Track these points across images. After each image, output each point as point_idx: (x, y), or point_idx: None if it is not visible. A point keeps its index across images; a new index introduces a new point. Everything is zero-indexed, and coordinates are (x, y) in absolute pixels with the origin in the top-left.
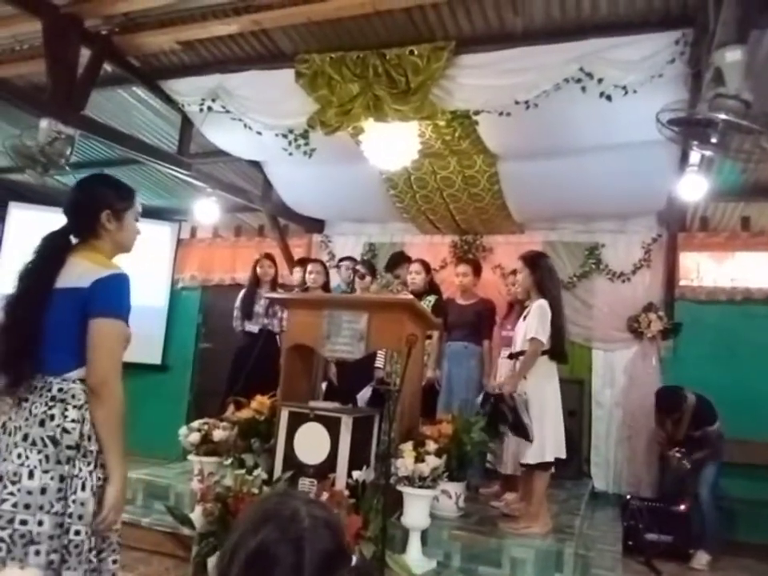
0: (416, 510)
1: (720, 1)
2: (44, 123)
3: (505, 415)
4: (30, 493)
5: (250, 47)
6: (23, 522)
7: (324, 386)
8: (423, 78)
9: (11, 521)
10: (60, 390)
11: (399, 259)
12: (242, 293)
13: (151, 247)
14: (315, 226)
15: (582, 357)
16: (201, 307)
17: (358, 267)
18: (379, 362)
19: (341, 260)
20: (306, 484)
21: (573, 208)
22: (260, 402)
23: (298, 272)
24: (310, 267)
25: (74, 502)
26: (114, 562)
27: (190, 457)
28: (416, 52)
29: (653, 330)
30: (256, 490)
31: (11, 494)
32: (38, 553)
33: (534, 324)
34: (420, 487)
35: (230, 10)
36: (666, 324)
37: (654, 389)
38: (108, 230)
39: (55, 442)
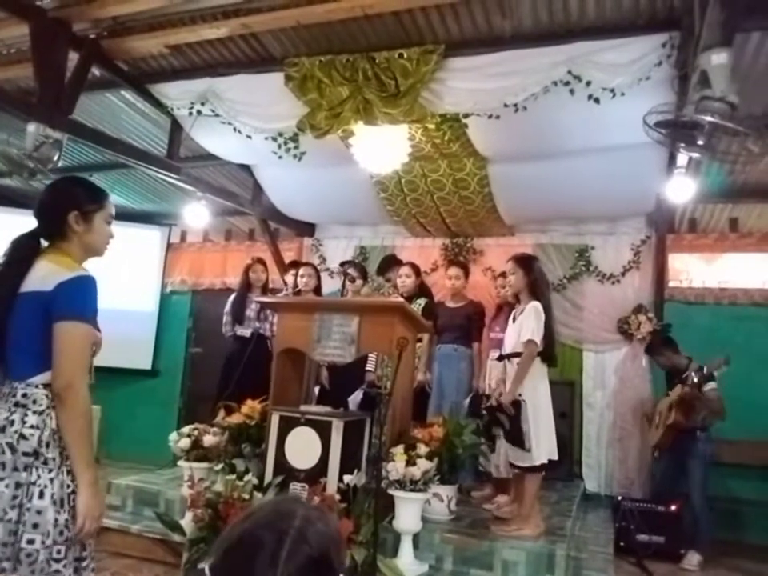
0: (407, 514)
1: (705, 4)
2: (32, 127)
3: (502, 425)
4: None
5: (239, 51)
6: None
7: (317, 390)
8: (413, 82)
9: None
10: (23, 395)
11: (390, 262)
12: (231, 297)
13: (141, 251)
14: (306, 229)
15: (572, 358)
16: (191, 312)
17: (349, 270)
18: (370, 366)
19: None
20: (297, 489)
21: (563, 210)
22: (251, 406)
23: (290, 276)
24: (301, 270)
25: (28, 510)
26: (93, 569)
27: (180, 463)
28: (405, 55)
29: (642, 331)
30: (247, 496)
31: None
32: None
33: (530, 326)
34: (411, 491)
35: (220, 13)
36: (655, 325)
37: (643, 390)
38: (75, 232)
39: (13, 448)
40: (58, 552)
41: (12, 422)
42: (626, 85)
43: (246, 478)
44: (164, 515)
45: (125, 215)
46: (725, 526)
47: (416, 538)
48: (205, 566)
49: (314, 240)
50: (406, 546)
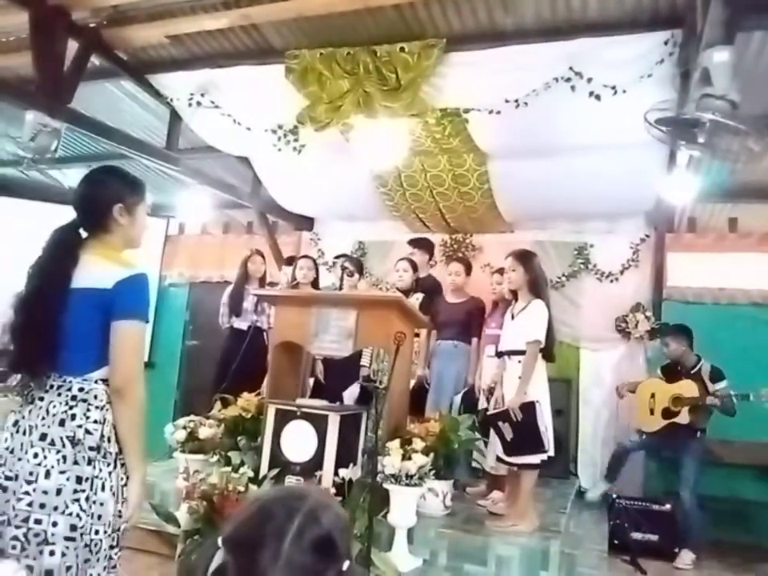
0: (402, 508)
1: (708, 2)
2: (30, 116)
3: (501, 435)
4: (45, 493)
5: (239, 42)
6: (38, 522)
7: (311, 381)
8: (413, 75)
9: (26, 519)
10: (81, 389)
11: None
12: (229, 288)
13: (142, 243)
14: (305, 223)
15: (569, 356)
16: (188, 304)
17: (346, 264)
18: (365, 360)
19: (335, 258)
20: (292, 482)
21: (562, 208)
22: (247, 399)
23: (286, 273)
24: (300, 263)
25: (94, 502)
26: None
27: (176, 454)
28: (407, 49)
29: (640, 330)
30: (242, 488)
31: (26, 493)
32: (52, 553)
33: (537, 325)
34: (407, 485)
35: (220, 4)
36: (653, 324)
37: None
38: (120, 225)
39: (74, 442)
40: (113, 539)
41: (73, 417)
42: (628, 82)
43: (242, 470)
44: (159, 507)
45: None
46: (719, 526)
47: (410, 533)
48: (218, 537)
49: (313, 234)
50: (401, 541)
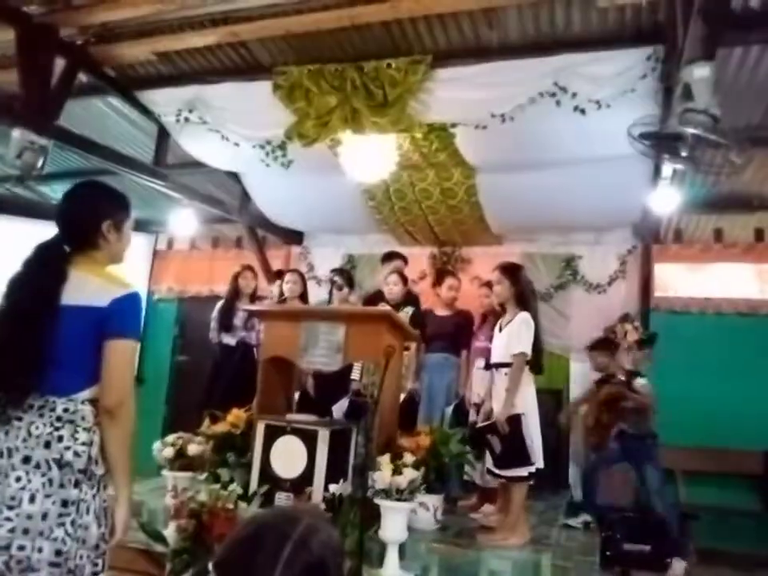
0: (393, 524)
1: (688, 19)
2: (16, 133)
3: (491, 448)
4: (29, 517)
5: (227, 59)
6: (21, 548)
7: (297, 395)
8: (401, 91)
9: (8, 547)
10: (65, 410)
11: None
12: (219, 304)
13: (127, 259)
14: (294, 237)
15: (559, 367)
16: (177, 319)
17: (336, 278)
18: (355, 374)
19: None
20: (282, 498)
21: (550, 220)
22: (236, 415)
23: (277, 286)
24: (287, 277)
25: (80, 526)
26: None
27: (164, 472)
28: (393, 65)
29: (629, 340)
30: (231, 506)
31: (8, 519)
32: None
33: (521, 338)
34: (397, 500)
35: (208, 21)
36: (641, 335)
37: None
38: (108, 241)
39: (61, 464)
40: (95, 565)
41: (60, 438)
42: (612, 97)
43: (231, 487)
44: (147, 525)
45: None
46: (709, 535)
47: (402, 548)
48: (209, 562)
49: (302, 248)
50: (392, 556)
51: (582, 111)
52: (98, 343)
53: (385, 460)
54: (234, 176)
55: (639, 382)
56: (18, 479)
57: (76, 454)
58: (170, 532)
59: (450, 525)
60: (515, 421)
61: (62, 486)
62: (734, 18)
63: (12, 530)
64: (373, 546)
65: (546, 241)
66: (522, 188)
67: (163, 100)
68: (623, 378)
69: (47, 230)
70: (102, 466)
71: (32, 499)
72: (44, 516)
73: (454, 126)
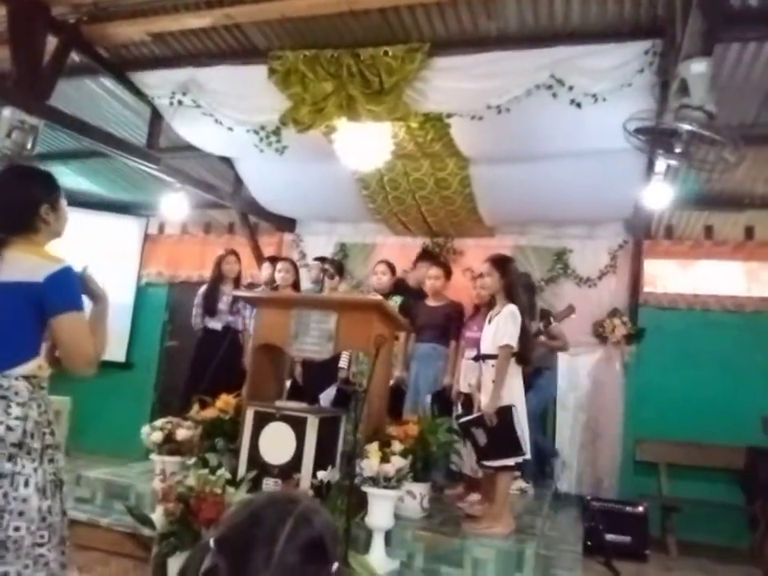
0: (380, 511)
1: (687, 14)
2: (6, 112)
3: (475, 440)
4: None
5: (222, 41)
6: None
7: (288, 383)
8: (397, 79)
9: None
10: (0, 386)
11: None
12: (203, 289)
13: (117, 242)
14: (286, 224)
15: None
16: (167, 304)
17: (327, 267)
18: (343, 363)
19: (314, 260)
20: (270, 484)
21: (542, 213)
22: (225, 401)
23: (266, 268)
24: (279, 266)
25: (14, 498)
26: (63, 552)
27: (153, 456)
28: (390, 53)
29: (617, 335)
30: (219, 491)
31: None
32: None
33: (507, 330)
34: (385, 488)
35: (203, 2)
36: (629, 329)
37: (617, 393)
38: (48, 223)
39: None
40: (41, 537)
41: None
42: (608, 90)
43: (219, 472)
44: (134, 509)
45: (101, 204)
46: (691, 528)
47: (388, 535)
48: (210, 539)
49: (295, 235)
50: (378, 543)
51: (578, 105)
52: (34, 319)
53: (373, 448)
54: (227, 161)
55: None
56: None
57: (8, 428)
58: (157, 516)
59: (436, 513)
60: (506, 412)
61: None
62: (732, 14)
63: None
64: (359, 533)
65: (537, 234)
66: (515, 180)
67: (157, 82)
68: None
69: None
70: (40, 438)
71: None
72: None
73: (449, 116)
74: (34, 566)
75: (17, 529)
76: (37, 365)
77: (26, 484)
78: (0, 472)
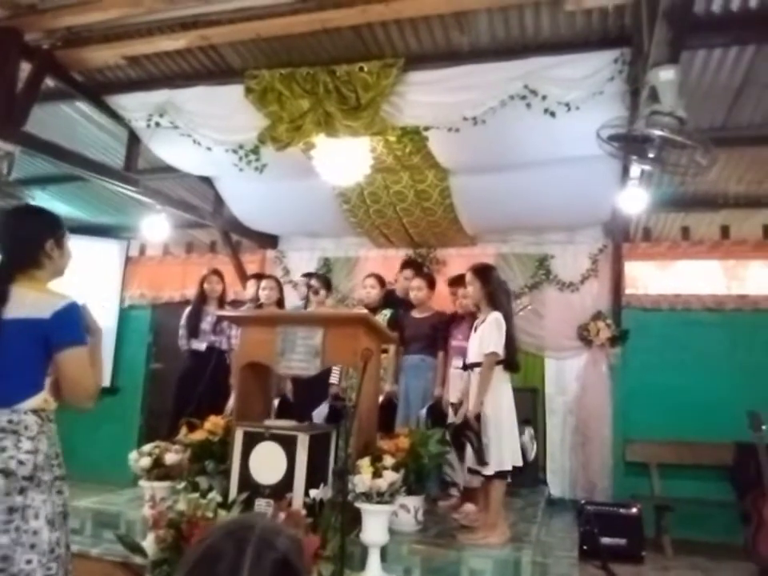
0: (374, 527)
1: (653, 23)
2: None
3: (471, 443)
4: None
5: (198, 62)
6: None
7: (276, 402)
8: (373, 95)
9: None
10: (9, 421)
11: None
12: (187, 310)
13: (98, 265)
14: (269, 241)
15: (534, 366)
16: (151, 326)
17: (312, 282)
18: (334, 378)
19: (302, 276)
20: (262, 505)
21: (523, 220)
22: (213, 422)
23: (251, 286)
24: (263, 284)
25: (25, 531)
26: None
27: (141, 482)
28: (366, 69)
29: (602, 337)
30: (210, 514)
31: None
32: None
33: (491, 338)
34: (378, 503)
35: (178, 25)
36: (613, 332)
37: (604, 395)
38: (52, 259)
39: (6, 473)
40: (49, 569)
41: (4, 449)
42: (581, 99)
43: (210, 495)
44: (125, 537)
45: (81, 228)
46: (684, 526)
47: (383, 551)
48: None
49: (277, 252)
50: (374, 559)
51: (552, 114)
52: (40, 354)
53: (365, 463)
54: (207, 180)
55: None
56: None
57: (20, 462)
58: (148, 543)
59: (430, 525)
60: (477, 421)
61: (7, 494)
62: (696, 22)
63: None
64: (354, 550)
65: (519, 241)
66: (494, 189)
67: (133, 105)
68: None
69: None
70: (50, 471)
71: None
72: None
73: (426, 128)
74: None
75: (29, 561)
76: (43, 398)
77: (36, 516)
78: (11, 506)
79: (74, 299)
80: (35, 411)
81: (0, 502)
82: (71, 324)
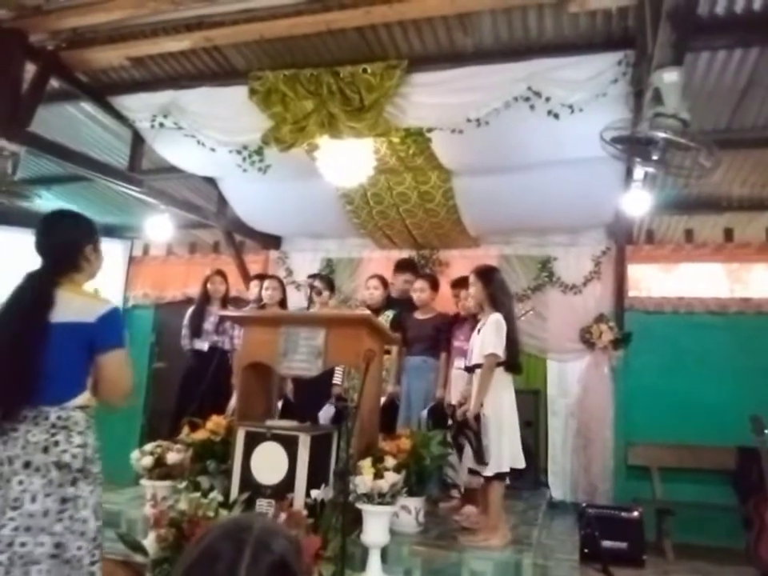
0: (375, 528)
1: (657, 25)
2: None
3: (470, 442)
4: (31, 516)
5: (202, 64)
6: (22, 545)
7: (280, 403)
8: (377, 96)
9: (10, 544)
10: (59, 418)
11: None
12: (190, 310)
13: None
14: (272, 242)
15: (537, 368)
16: (154, 326)
17: (315, 283)
18: (337, 379)
19: (308, 277)
20: (263, 505)
21: (526, 222)
22: (216, 422)
23: (255, 286)
24: (266, 284)
25: (77, 520)
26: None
27: (143, 481)
28: (369, 70)
29: (604, 340)
30: (212, 513)
31: (11, 519)
32: (39, 572)
33: (490, 339)
34: (379, 504)
35: (182, 26)
36: (616, 334)
37: (606, 398)
38: (90, 263)
39: (59, 466)
40: (93, 555)
41: (56, 443)
42: (584, 101)
43: (211, 495)
44: (126, 536)
45: None
46: (685, 530)
47: (384, 552)
48: None
49: (281, 253)
50: (375, 560)
51: (556, 115)
52: (85, 355)
53: (366, 464)
54: (211, 181)
55: None
56: (20, 482)
57: (73, 456)
58: (149, 542)
59: (431, 527)
60: (477, 421)
61: (60, 485)
62: (700, 24)
63: (15, 529)
64: (355, 550)
65: (522, 243)
66: (498, 191)
67: (137, 105)
68: None
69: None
70: (96, 464)
71: (33, 499)
72: (45, 513)
73: (430, 130)
74: None
75: (79, 548)
76: (87, 397)
77: (85, 506)
78: (64, 496)
79: (116, 304)
80: (82, 408)
81: (53, 493)
82: (114, 328)
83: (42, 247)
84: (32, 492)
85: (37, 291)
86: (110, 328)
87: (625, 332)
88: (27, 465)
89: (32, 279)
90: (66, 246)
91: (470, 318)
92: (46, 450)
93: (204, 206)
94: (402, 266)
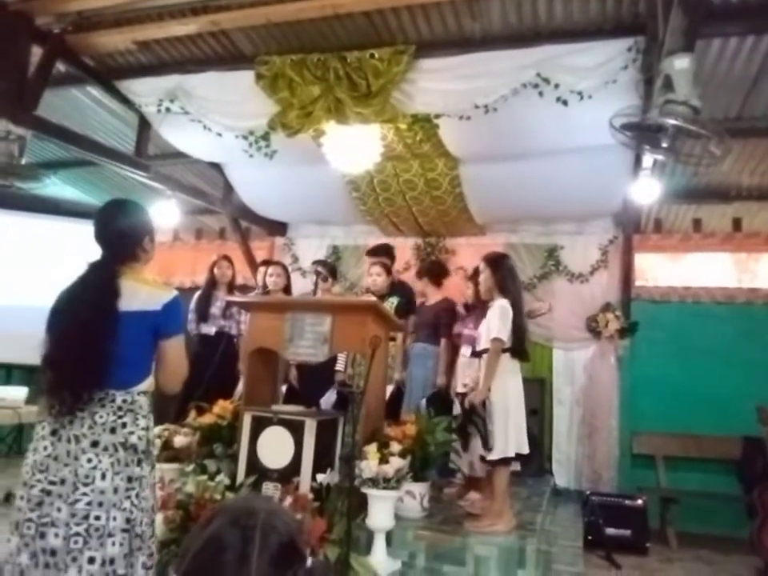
0: (380, 512)
1: (668, 11)
2: None
3: (477, 428)
4: (102, 492)
5: (208, 48)
6: (97, 518)
7: (284, 389)
8: (384, 82)
9: (86, 517)
10: (125, 401)
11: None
12: (197, 294)
13: None
14: (278, 228)
15: (543, 356)
16: None
17: (320, 269)
18: (340, 365)
19: (312, 264)
20: (269, 488)
21: (533, 210)
22: (222, 406)
23: (262, 272)
24: (270, 270)
25: (143, 498)
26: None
27: None
28: (376, 55)
29: (610, 329)
30: (218, 496)
31: (84, 494)
32: (114, 543)
33: (495, 324)
34: (384, 489)
35: (188, 9)
36: (622, 323)
37: (612, 386)
38: (147, 252)
39: (126, 446)
40: (153, 530)
41: (124, 425)
42: (593, 88)
43: (218, 478)
44: None
45: (91, 213)
46: (690, 519)
47: (389, 536)
48: (173, 573)
49: (286, 239)
50: (379, 544)
51: (565, 102)
52: (150, 342)
53: (372, 449)
54: (217, 167)
55: None
56: (89, 460)
57: (139, 438)
58: (157, 524)
59: (436, 512)
60: (483, 406)
61: (127, 465)
62: (712, 10)
63: (89, 504)
64: (360, 534)
65: (528, 231)
66: (504, 178)
67: (144, 90)
68: None
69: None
70: (155, 447)
71: (103, 477)
72: (115, 490)
73: (437, 116)
74: (149, 557)
75: (145, 524)
76: (150, 381)
77: (147, 485)
78: (131, 475)
79: (177, 292)
80: (144, 393)
81: (121, 471)
82: (177, 315)
83: (102, 237)
84: (101, 470)
85: (103, 280)
86: (173, 315)
87: (631, 321)
88: (95, 444)
89: (96, 269)
90: (127, 236)
91: (480, 305)
92: (113, 430)
93: (210, 191)
94: (369, 252)
